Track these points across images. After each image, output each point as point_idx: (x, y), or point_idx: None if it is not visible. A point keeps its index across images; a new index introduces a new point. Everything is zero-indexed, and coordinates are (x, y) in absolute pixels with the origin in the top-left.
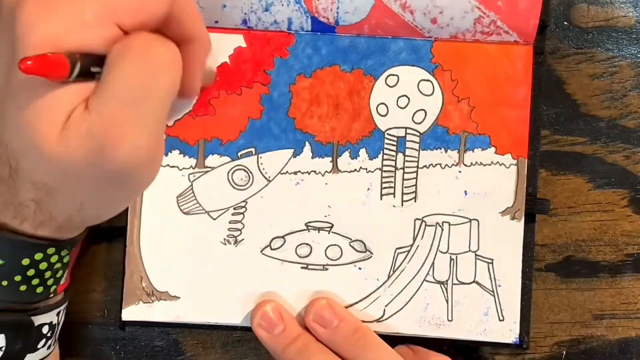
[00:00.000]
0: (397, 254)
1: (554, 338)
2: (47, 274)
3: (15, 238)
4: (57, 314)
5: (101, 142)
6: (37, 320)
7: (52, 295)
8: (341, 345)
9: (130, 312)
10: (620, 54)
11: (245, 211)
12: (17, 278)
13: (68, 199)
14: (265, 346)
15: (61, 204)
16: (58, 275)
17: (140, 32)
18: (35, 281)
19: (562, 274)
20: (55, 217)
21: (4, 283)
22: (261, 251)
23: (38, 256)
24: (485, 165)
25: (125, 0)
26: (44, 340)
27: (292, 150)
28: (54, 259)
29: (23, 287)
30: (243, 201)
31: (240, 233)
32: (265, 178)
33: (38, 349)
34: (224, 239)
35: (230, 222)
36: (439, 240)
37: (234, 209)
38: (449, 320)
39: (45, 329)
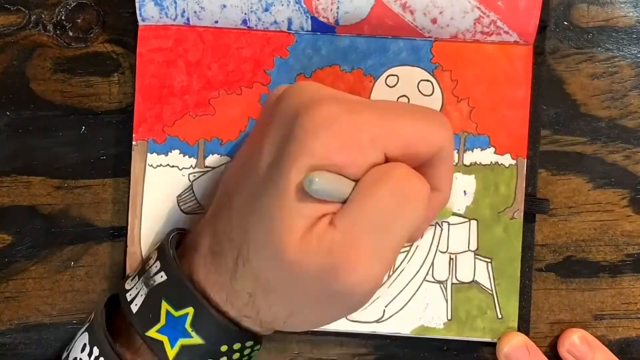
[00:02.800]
0: None
1: (554, 338)
2: None
3: (224, 322)
4: None
5: (338, 262)
6: None
7: None
8: None
9: None
10: (620, 54)
11: None
12: None
13: (282, 303)
14: None
15: (274, 305)
16: None
17: (398, 163)
18: None
19: (562, 274)
20: (262, 315)
21: None
22: None
23: (236, 346)
24: (484, 165)
25: (401, 135)
26: None
27: None
28: (247, 351)
29: None
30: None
31: None
32: None
33: None
34: None
35: None
36: (439, 240)
37: None
38: (448, 320)
39: None
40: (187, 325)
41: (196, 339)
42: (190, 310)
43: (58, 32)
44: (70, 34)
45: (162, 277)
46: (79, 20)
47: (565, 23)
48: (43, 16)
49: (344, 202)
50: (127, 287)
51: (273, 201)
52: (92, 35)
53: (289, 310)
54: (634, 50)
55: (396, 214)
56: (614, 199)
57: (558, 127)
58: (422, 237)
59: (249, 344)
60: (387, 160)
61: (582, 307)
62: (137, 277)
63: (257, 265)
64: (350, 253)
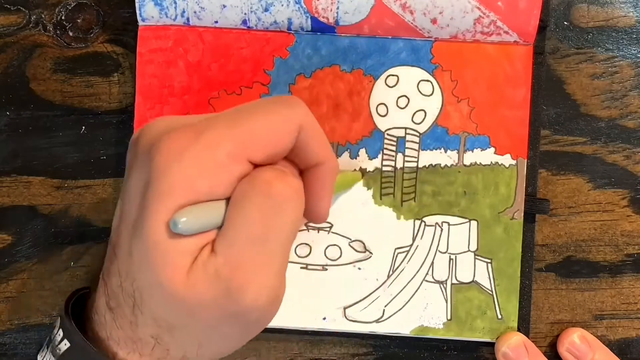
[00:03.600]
0: (397, 254)
1: (554, 338)
2: None
3: None
4: None
5: (228, 285)
6: None
7: None
8: None
9: None
10: (620, 54)
11: None
12: None
13: (188, 337)
14: None
15: (180, 341)
16: None
17: (261, 169)
18: None
19: (562, 274)
20: (172, 354)
21: None
22: None
23: None
24: (484, 165)
25: (257, 137)
26: None
27: None
28: None
29: None
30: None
31: None
32: None
33: None
34: None
35: None
36: (439, 240)
37: None
38: (448, 320)
39: None
40: None
41: None
42: None
43: (58, 32)
44: (70, 34)
45: (65, 344)
46: (79, 20)
47: (565, 23)
48: (43, 16)
49: (221, 226)
50: (39, 359)
51: (149, 247)
52: (92, 35)
53: (195, 342)
54: (634, 50)
55: (269, 222)
56: (614, 199)
57: (558, 127)
58: (325, 216)
59: None
60: (255, 165)
61: (582, 307)
62: (46, 348)
63: (153, 308)
64: (236, 273)
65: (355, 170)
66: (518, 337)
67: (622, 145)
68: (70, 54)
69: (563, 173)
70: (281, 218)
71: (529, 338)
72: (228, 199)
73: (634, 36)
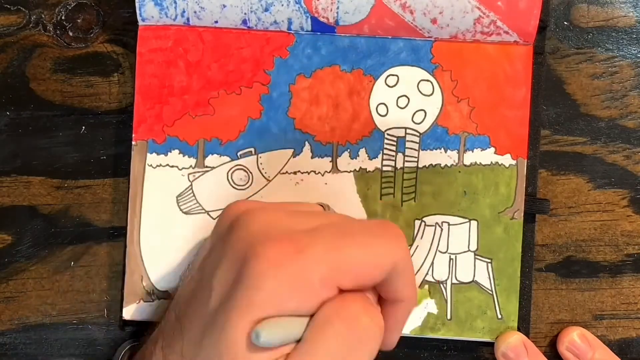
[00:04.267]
0: None
1: (554, 338)
2: None
3: None
4: None
5: None
6: None
7: None
8: None
9: (131, 311)
10: (620, 54)
11: None
12: None
13: None
14: None
15: None
16: None
17: (349, 298)
18: None
19: (562, 274)
20: None
21: None
22: None
23: None
24: (484, 165)
25: (351, 268)
26: None
27: (292, 150)
28: None
29: None
30: None
31: None
32: (265, 178)
33: None
34: None
35: None
36: (439, 240)
37: None
38: (448, 320)
39: None
40: None
41: None
42: None
43: (58, 32)
44: (70, 34)
45: None
46: (79, 20)
47: (565, 23)
48: (43, 16)
49: (299, 340)
50: None
51: (223, 351)
52: (92, 35)
53: None
54: (634, 50)
55: (349, 354)
56: (614, 199)
57: (558, 127)
58: (392, 346)
59: None
60: (340, 290)
61: (582, 307)
62: None
63: None
64: None
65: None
66: (517, 337)
67: (622, 145)
68: (70, 54)
69: (563, 173)
70: (360, 351)
71: (529, 338)
72: (310, 315)
73: (634, 36)
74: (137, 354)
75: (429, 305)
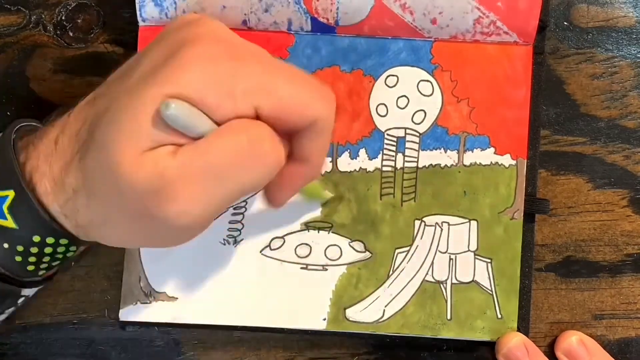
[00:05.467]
0: (397, 254)
1: (554, 338)
2: (46, 258)
3: (41, 212)
4: (35, 290)
5: (165, 188)
6: (22, 292)
7: (36, 278)
8: None
9: (128, 312)
10: (620, 54)
11: (244, 211)
12: (20, 248)
13: (100, 209)
14: None
15: (92, 209)
16: (54, 264)
17: (262, 123)
18: (32, 259)
19: (562, 274)
20: (80, 216)
21: (5, 245)
22: (260, 251)
23: (49, 240)
24: (484, 165)
25: (277, 94)
26: (12, 309)
27: None
28: (61, 249)
29: (18, 258)
30: (243, 201)
31: (240, 233)
32: None
33: (4, 313)
34: (223, 239)
35: (229, 222)
36: (438, 240)
37: (234, 209)
38: (448, 320)
39: (20, 300)
40: (5, 207)
41: (10, 222)
42: (11, 192)
43: (58, 32)
44: (71, 34)
45: None
46: (79, 21)
47: (565, 23)
48: (43, 16)
49: (198, 139)
50: None
51: (128, 112)
52: (92, 35)
53: (105, 218)
54: (634, 50)
55: (236, 169)
56: (614, 199)
57: (558, 127)
58: (280, 204)
59: (63, 241)
60: (257, 116)
61: (581, 307)
62: None
63: (91, 165)
64: (178, 184)
65: (324, 187)
66: (519, 338)
67: (622, 145)
68: (70, 54)
69: (563, 173)
70: (248, 171)
71: (528, 338)
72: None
73: (634, 36)
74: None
75: (429, 306)
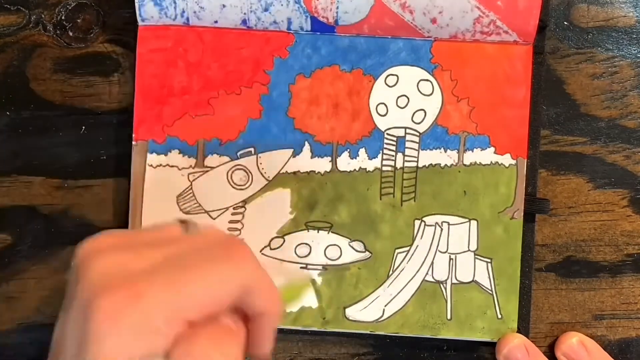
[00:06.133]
0: (397, 254)
1: (554, 338)
2: None
3: None
4: None
5: None
6: None
7: None
8: None
9: None
10: (620, 54)
11: (244, 211)
12: None
13: None
14: None
15: None
16: None
17: (199, 335)
18: None
19: (562, 274)
20: None
21: None
22: (260, 251)
23: None
24: (484, 165)
25: (193, 301)
26: None
27: (292, 150)
28: None
29: None
30: (242, 201)
31: (240, 233)
32: (265, 178)
33: None
34: None
35: (229, 222)
36: (438, 240)
37: (234, 208)
38: (448, 320)
39: None
40: None
41: None
42: None
43: (58, 32)
44: (70, 34)
45: None
46: (79, 20)
47: (565, 23)
48: (43, 16)
49: None
50: None
51: None
52: (92, 35)
53: None
54: (634, 50)
55: None
56: (614, 199)
57: (558, 127)
58: (265, 357)
59: None
60: (191, 323)
61: (582, 307)
62: None
63: None
64: None
65: (300, 284)
66: (519, 339)
67: (622, 145)
68: (70, 54)
69: (563, 173)
70: None
71: (528, 338)
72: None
73: (634, 36)
74: None
75: (429, 305)
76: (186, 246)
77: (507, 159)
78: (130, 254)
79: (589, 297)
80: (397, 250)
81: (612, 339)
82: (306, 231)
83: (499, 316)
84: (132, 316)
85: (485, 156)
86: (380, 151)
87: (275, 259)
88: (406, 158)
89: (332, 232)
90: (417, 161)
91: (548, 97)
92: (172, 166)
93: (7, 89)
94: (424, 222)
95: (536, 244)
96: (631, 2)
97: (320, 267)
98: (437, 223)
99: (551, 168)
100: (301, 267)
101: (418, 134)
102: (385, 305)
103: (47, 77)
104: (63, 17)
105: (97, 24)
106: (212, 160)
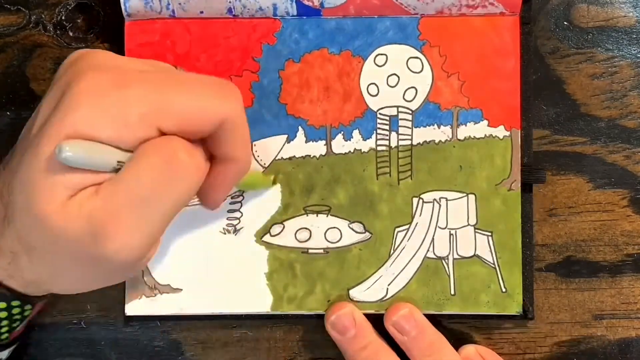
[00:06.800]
0: (397, 233)
1: (554, 338)
2: (4, 322)
3: None
4: (9, 352)
5: (97, 229)
6: None
7: (4, 341)
8: (415, 356)
9: (134, 307)
10: (620, 54)
11: (242, 200)
12: None
13: (44, 263)
14: (337, 345)
15: (36, 265)
16: (15, 325)
17: (171, 136)
18: None
19: (562, 274)
20: (26, 275)
21: None
22: (261, 238)
23: (1, 305)
24: (479, 138)
25: (175, 110)
26: None
27: (286, 135)
28: (15, 310)
29: None
30: (239, 190)
31: (239, 222)
32: (261, 165)
33: None
34: (223, 228)
35: (228, 212)
36: (437, 216)
37: (231, 198)
38: (452, 295)
39: None
40: None
41: None
42: None
43: (58, 32)
44: (70, 34)
45: None
46: (79, 20)
47: (565, 23)
48: (43, 16)
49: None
50: None
51: (33, 167)
52: (92, 35)
53: (51, 271)
54: (634, 50)
55: (160, 187)
56: (614, 199)
57: (558, 127)
58: (216, 205)
59: (15, 303)
60: (163, 134)
61: (582, 307)
62: None
63: (20, 226)
64: (108, 221)
65: (266, 174)
66: (347, 309)
67: (622, 145)
68: None
69: (563, 173)
70: (172, 188)
71: (533, 308)
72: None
73: (634, 36)
74: None
75: (432, 282)
76: (182, 73)
77: (500, 131)
78: (125, 60)
79: (589, 297)
80: (397, 229)
81: (612, 339)
82: (305, 216)
83: (503, 289)
84: (111, 99)
85: (479, 129)
86: (374, 131)
87: (276, 245)
88: (400, 137)
89: (331, 215)
90: (412, 139)
91: (548, 97)
92: None
93: (7, 89)
94: (422, 199)
95: (536, 244)
96: (631, 2)
97: (321, 251)
98: (435, 199)
99: (551, 168)
100: (302, 252)
101: (410, 111)
102: (389, 285)
103: (47, 77)
104: (63, 17)
105: (97, 24)
106: None
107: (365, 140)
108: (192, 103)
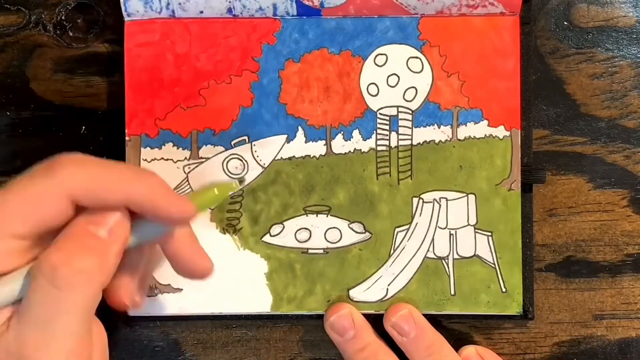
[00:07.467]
0: (397, 233)
1: (554, 338)
2: None
3: None
4: None
5: (21, 356)
6: None
7: None
8: (415, 357)
9: None
10: (620, 54)
11: (242, 199)
12: None
13: None
14: (336, 346)
15: None
16: None
17: (49, 250)
18: None
19: (562, 274)
20: None
21: None
22: (261, 238)
23: None
24: (479, 138)
25: (12, 215)
26: None
27: (286, 135)
28: None
29: None
30: (240, 190)
31: (239, 222)
32: (260, 165)
33: None
34: (223, 228)
35: (227, 212)
36: (438, 216)
37: (231, 197)
38: (452, 296)
39: None
40: None
41: None
42: None
43: (58, 32)
44: (70, 34)
45: None
46: (79, 20)
47: (565, 23)
48: (43, 16)
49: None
50: None
51: None
52: (92, 35)
53: None
54: (634, 50)
55: (53, 307)
56: (614, 199)
57: (558, 127)
58: (208, 271)
59: None
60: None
61: (582, 307)
62: None
63: None
64: (24, 351)
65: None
66: (346, 310)
67: (622, 145)
68: (70, 54)
69: (563, 173)
70: (66, 303)
71: (533, 308)
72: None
73: (634, 36)
74: None
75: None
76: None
77: (500, 131)
78: None
79: (589, 297)
80: (397, 229)
81: (612, 339)
82: (305, 216)
83: (503, 289)
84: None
85: (479, 129)
86: (374, 131)
87: (276, 245)
88: (400, 137)
89: (331, 215)
90: (412, 139)
91: (548, 97)
92: (167, 159)
93: (7, 89)
94: (422, 199)
95: (536, 244)
96: (631, 2)
97: (321, 251)
98: (435, 199)
99: (551, 168)
100: (302, 252)
101: (410, 111)
102: (389, 285)
103: (47, 77)
104: (63, 17)
105: (97, 24)
106: (206, 150)
107: (365, 140)
108: (24, 198)
